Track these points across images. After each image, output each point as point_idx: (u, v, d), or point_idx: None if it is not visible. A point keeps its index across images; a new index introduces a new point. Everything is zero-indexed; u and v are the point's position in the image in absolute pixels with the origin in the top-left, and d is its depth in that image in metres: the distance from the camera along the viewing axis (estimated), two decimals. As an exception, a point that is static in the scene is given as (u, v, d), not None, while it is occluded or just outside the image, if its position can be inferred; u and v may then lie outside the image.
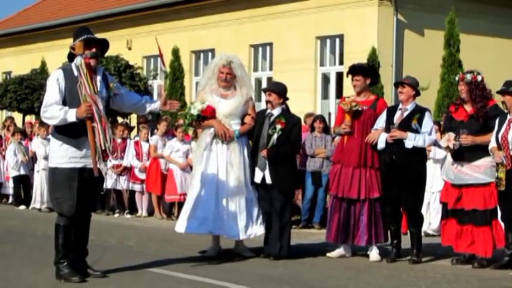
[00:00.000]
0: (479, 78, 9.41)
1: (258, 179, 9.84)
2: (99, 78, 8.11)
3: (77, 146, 7.95)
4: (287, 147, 9.85)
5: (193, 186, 9.77)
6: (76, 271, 7.97)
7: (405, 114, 9.66)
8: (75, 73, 7.96)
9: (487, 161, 9.27)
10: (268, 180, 9.80)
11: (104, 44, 8.21)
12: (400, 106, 9.76)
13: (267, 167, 9.78)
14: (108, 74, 8.54)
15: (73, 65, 8.01)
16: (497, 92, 9.25)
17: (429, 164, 12.00)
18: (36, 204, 16.91)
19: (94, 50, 8.02)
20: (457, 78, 9.64)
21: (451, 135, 9.31)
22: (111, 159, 12.19)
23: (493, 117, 9.25)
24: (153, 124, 16.45)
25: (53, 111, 7.89)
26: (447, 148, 9.38)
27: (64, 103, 7.92)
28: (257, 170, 9.84)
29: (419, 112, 9.66)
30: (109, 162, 10.27)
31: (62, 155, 7.96)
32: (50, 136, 8.36)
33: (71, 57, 8.13)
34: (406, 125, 9.57)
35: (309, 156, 13.56)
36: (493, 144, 9.12)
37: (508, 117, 9.12)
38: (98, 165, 7.94)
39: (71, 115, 7.85)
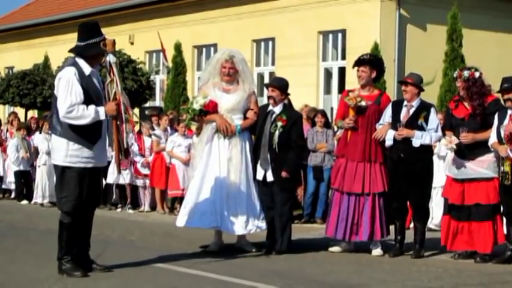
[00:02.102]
0: (476, 74, 9.37)
1: (259, 176, 9.83)
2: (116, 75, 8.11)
3: (89, 147, 7.90)
4: (297, 151, 9.84)
5: (194, 180, 9.77)
6: (78, 266, 7.99)
7: (411, 111, 9.65)
8: (86, 72, 7.90)
9: (490, 156, 9.27)
10: (270, 178, 9.80)
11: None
12: (406, 103, 9.74)
13: (269, 165, 9.77)
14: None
15: (80, 62, 7.93)
16: (499, 91, 9.18)
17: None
18: (38, 199, 16.93)
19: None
20: (455, 75, 9.62)
21: (452, 137, 9.30)
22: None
23: (493, 113, 9.24)
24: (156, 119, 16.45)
25: (80, 110, 7.75)
26: (451, 148, 9.39)
27: None
28: (259, 168, 9.84)
29: (425, 110, 9.64)
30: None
31: (74, 155, 7.87)
32: (52, 134, 8.13)
33: (82, 51, 8.00)
34: (412, 123, 9.56)
35: (310, 151, 13.54)
36: (493, 140, 9.10)
37: (509, 112, 9.09)
38: (121, 164, 8.00)
39: (102, 113, 7.82)
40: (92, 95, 7.88)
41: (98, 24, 8.20)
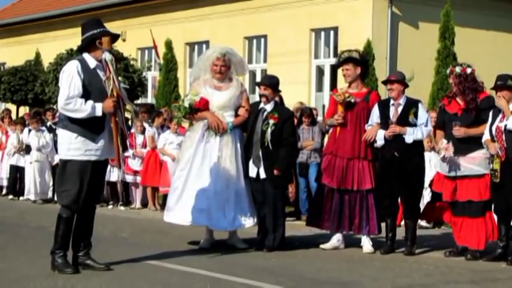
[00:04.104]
0: (468, 70, 9.41)
1: (252, 173, 9.84)
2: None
3: (93, 139, 7.93)
4: (288, 149, 9.86)
5: (184, 177, 9.73)
6: (73, 263, 7.98)
7: (399, 109, 9.69)
8: (91, 66, 7.95)
9: (482, 152, 9.29)
10: (262, 175, 9.80)
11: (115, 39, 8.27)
12: (392, 102, 9.77)
13: (262, 163, 9.78)
14: None
15: (86, 56, 7.98)
16: (493, 88, 9.19)
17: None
18: (30, 195, 16.88)
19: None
20: (447, 72, 9.67)
21: (448, 145, 9.29)
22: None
23: (486, 109, 9.27)
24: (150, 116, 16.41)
25: (77, 104, 7.82)
26: (446, 156, 9.37)
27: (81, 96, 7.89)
28: (251, 165, 9.84)
29: (413, 106, 9.69)
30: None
31: (78, 148, 7.90)
32: (58, 129, 8.21)
33: (84, 48, 8.06)
34: (403, 121, 9.59)
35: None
36: (486, 137, 9.13)
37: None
38: (121, 158, 8.01)
39: (98, 109, 7.85)
40: (93, 88, 7.92)
41: (97, 20, 8.27)
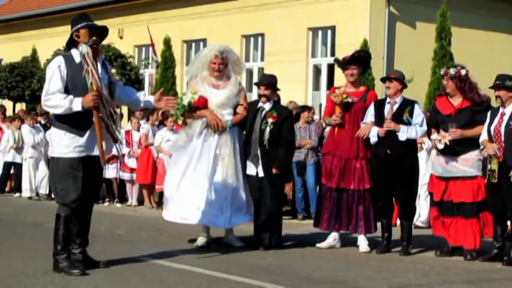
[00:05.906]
0: (463, 72, 9.41)
1: (250, 171, 9.84)
2: (99, 65, 7.90)
3: (80, 134, 7.81)
4: (287, 147, 9.89)
5: (183, 175, 9.73)
6: (76, 264, 7.83)
7: (395, 107, 9.69)
8: (77, 60, 7.81)
9: (475, 154, 9.29)
10: (260, 174, 9.81)
11: (104, 32, 8.07)
12: (388, 100, 9.78)
13: (260, 161, 9.79)
14: (107, 62, 8.43)
15: (73, 52, 7.89)
16: (492, 87, 9.22)
17: (421, 156, 12.05)
18: (26, 192, 16.86)
19: (94, 37, 7.82)
20: (441, 73, 9.67)
21: (444, 133, 9.30)
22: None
23: (481, 111, 9.28)
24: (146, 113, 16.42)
25: (57, 100, 7.71)
26: (443, 144, 9.36)
27: (65, 91, 7.77)
28: (249, 164, 9.85)
29: (409, 105, 9.69)
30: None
31: (66, 145, 7.80)
32: (51, 127, 8.18)
33: (70, 44, 7.96)
34: (398, 118, 9.60)
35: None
36: (484, 137, 9.14)
37: (501, 110, 9.13)
38: (106, 154, 7.86)
39: (77, 104, 7.69)
40: (78, 83, 7.77)
41: (82, 15, 8.13)
